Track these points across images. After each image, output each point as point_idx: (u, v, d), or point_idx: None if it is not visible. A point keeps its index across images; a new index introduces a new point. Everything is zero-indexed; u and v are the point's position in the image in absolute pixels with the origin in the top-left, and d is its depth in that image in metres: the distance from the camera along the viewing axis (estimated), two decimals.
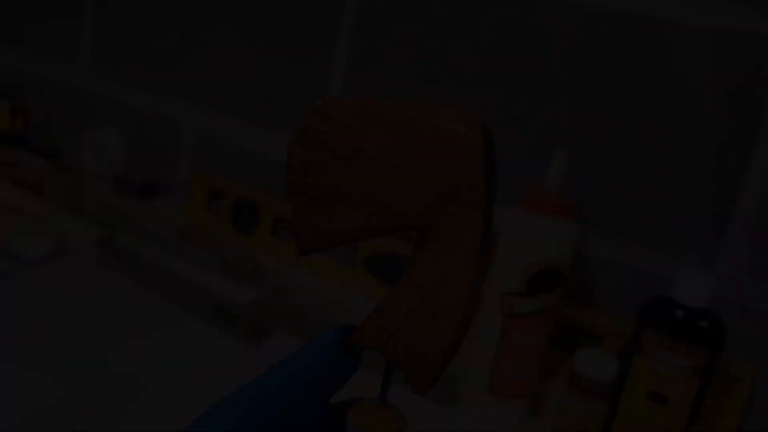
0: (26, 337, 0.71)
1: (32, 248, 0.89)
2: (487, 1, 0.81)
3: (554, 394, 0.75)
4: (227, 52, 1.03)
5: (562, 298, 0.77)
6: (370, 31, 0.90)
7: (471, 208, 0.25)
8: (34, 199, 1.04)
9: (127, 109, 1.15)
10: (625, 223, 0.75)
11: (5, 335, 0.70)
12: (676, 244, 0.73)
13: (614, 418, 0.68)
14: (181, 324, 0.80)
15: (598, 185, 0.76)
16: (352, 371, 0.26)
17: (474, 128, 0.24)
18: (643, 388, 0.66)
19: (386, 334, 0.26)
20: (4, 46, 1.32)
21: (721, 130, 0.69)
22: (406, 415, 0.27)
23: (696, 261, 0.72)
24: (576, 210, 0.77)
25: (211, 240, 0.97)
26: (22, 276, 0.83)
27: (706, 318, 0.64)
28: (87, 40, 1.19)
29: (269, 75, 1.00)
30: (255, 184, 1.01)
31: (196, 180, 1.04)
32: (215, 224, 1.02)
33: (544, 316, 0.70)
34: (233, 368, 0.73)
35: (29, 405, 0.59)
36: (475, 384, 0.72)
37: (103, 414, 0.60)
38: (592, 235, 0.77)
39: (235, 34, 1.02)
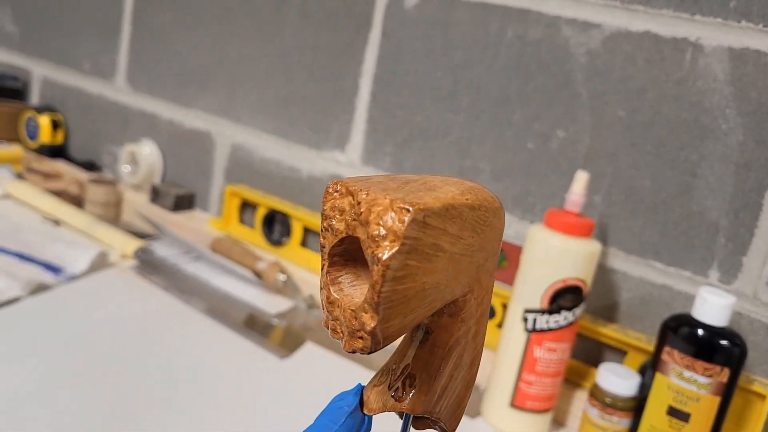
0: (69, 349, 0.74)
1: (74, 262, 0.93)
2: (509, 20, 0.82)
3: (577, 406, 0.77)
4: (260, 68, 1.06)
5: (585, 314, 0.78)
6: (395, 50, 0.92)
7: (492, 271, 0.28)
8: (75, 212, 1.08)
9: (162, 123, 1.19)
10: (647, 241, 0.76)
11: (50, 348, 0.74)
12: (698, 262, 0.73)
13: None
14: (215, 335, 0.83)
15: (621, 203, 0.77)
16: (369, 428, 0.28)
17: (497, 200, 0.28)
18: (664, 404, 0.67)
19: (432, 399, 0.27)
20: (47, 62, 1.37)
21: (742, 149, 0.70)
22: None
23: (718, 278, 0.73)
24: (596, 228, 0.78)
25: (243, 251, 1.00)
26: (66, 289, 0.87)
27: (726, 337, 0.65)
28: (124, 57, 1.23)
29: (301, 91, 1.02)
30: (286, 197, 1.04)
31: (229, 192, 1.07)
32: (247, 235, 1.05)
33: (566, 332, 0.71)
34: (265, 379, 0.76)
35: (71, 414, 0.63)
36: (499, 398, 0.73)
37: (139, 422, 0.64)
38: (615, 252, 0.78)
39: (268, 51, 1.05)
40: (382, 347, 0.26)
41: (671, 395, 0.67)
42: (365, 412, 0.27)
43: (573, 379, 0.79)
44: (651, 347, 0.73)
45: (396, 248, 0.23)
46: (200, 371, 0.75)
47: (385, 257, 0.23)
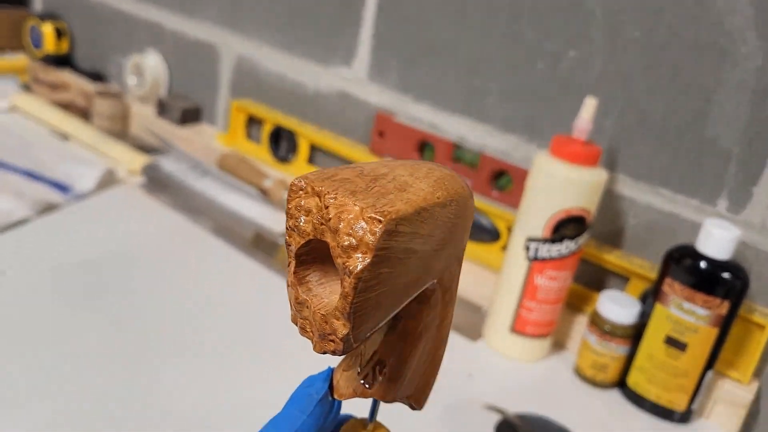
0: (77, 270, 0.76)
1: (82, 180, 0.93)
2: None
3: (578, 330, 0.78)
4: None
5: (590, 239, 0.78)
6: None
7: (461, 256, 0.27)
8: (82, 125, 1.08)
9: (167, 34, 1.16)
10: (656, 167, 0.74)
11: (58, 269, 0.75)
12: (708, 190, 0.72)
13: (633, 360, 0.71)
14: (222, 254, 0.84)
15: (632, 128, 0.75)
16: (338, 411, 0.28)
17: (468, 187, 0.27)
18: (662, 333, 0.68)
19: (401, 385, 0.27)
20: None
21: (760, 75, 0.67)
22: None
23: (726, 207, 0.71)
24: (604, 154, 0.76)
25: (250, 168, 0.99)
26: (74, 209, 0.88)
27: (728, 270, 0.64)
28: None
29: (307, 3, 0.98)
30: (292, 112, 1.03)
31: (235, 107, 1.05)
32: (254, 151, 1.05)
33: (568, 261, 0.71)
34: (271, 299, 0.77)
35: (79, 336, 0.65)
36: (500, 322, 0.74)
37: (146, 341, 0.66)
38: (623, 178, 0.76)
39: None
40: (355, 348, 0.26)
41: (670, 325, 0.67)
42: (335, 397, 0.27)
43: (575, 303, 0.79)
44: (654, 275, 0.73)
45: (368, 260, 0.22)
46: (207, 291, 0.76)
47: (357, 270, 0.22)
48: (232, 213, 0.95)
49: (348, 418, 0.29)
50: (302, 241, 0.24)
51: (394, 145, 0.90)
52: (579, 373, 0.74)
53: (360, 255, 0.22)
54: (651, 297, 0.69)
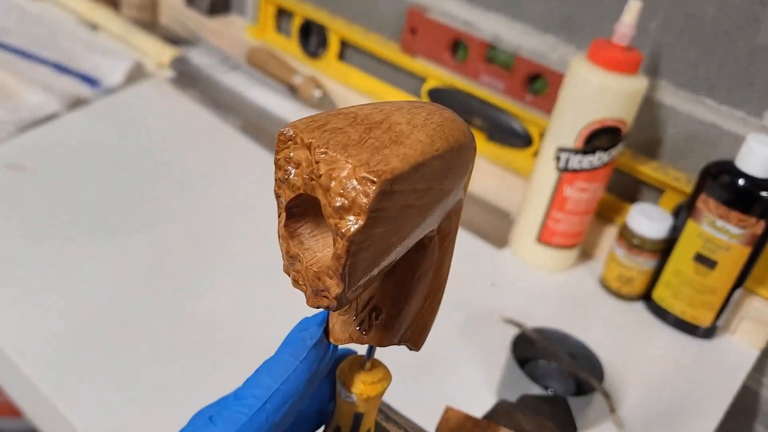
0: (105, 167, 0.76)
1: (111, 73, 0.92)
2: None
3: (607, 241, 0.76)
4: None
5: (626, 149, 0.75)
6: None
7: (462, 201, 0.26)
8: (111, 15, 1.05)
9: None
10: (701, 75, 0.70)
11: (87, 165, 0.76)
12: (755, 101, 0.67)
13: (660, 274, 0.69)
14: (249, 153, 0.84)
15: (678, 32, 0.69)
16: (334, 353, 0.28)
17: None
18: (692, 250, 0.66)
19: (398, 332, 0.27)
20: None
21: None
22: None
23: None
24: (647, 59, 0.72)
25: (279, 64, 0.97)
26: (102, 104, 0.88)
27: (767, 188, 0.61)
28: None
29: None
30: (323, 5, 0.98)
31: None
32: (284, 45, 1.02)
33: (600, 173, 0.68)
34: None
35: (106, 232, 0.66)
36: (526, 232, 0.73)
37: (170, 239, 0.67)
38: (665, 85, 0.72)
39: None
40: (350, 303, 0.25)
41: (700, 243, 0.65)
42: (331, 341, 0.27)
43: (605, 213, 0.77)
44: (689, 188, 0.70)
45: (361, 223, 0.21)
46: (233, 190, 0.76)
47: (350, 233, 0.21)
48: (260, 110, 0.93)
49: (348, 353, 0.29)
50: (292, 195, 0.23)
51: (426, 43, 0.86)
52: (604, 285, 0.73)
53: (353, 217, 0.21)
54: (684, 212, 0.67)
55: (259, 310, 0.61)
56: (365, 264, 0.22)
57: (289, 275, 0.24)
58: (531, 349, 0.59)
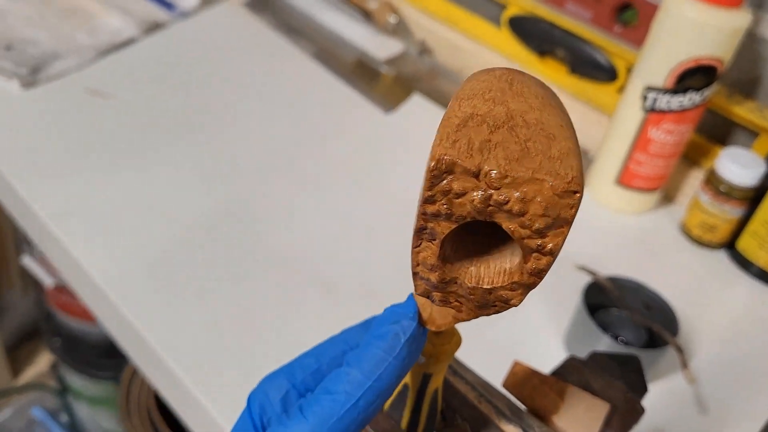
0: (184, 93, 0.77)
1: None
2: None
3: (691, 185, 0.73)
4: None
5: (720, 87, 0.70)
6: None
7: None
8: None
9: None
10: None
11: (166, 90, 0.77)
12: None
13: (747, 224, 0.66)
14: (322, 82, 0.82)
15: None
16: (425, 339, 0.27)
17: None
18: None
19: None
20: None
21: None
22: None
23: None
24: None
25: None
26: (178, 28, 0.88)
27: None
28: None
29: None
30: None
31: None
32: None
33: (690, 115, 0.64)
34: (371, 133, 0.76)
35: (183, 158, 0.67)
36: (605, 173, 0.70)
37: (244, 171, 0.67)
38: None
39: None
40: None
41: None
42: (433, 329, 0.26)
43: (692, 156, 0.73)
44: None
45: (565, 234, 0.21)
46: (304, 121, 0.76)
47: (557, 248, 0.21)
48: (334, 35, 0.91)
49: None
50: (453, 227, 0.22)
51: None
52: (685, 231, 0.70)
53: (556, 230, 0.21)
54: None
55: (333, 245, 0.62)
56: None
57: (428, 297, 0.25)
58: (604, 297, 0.57)
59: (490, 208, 0.21)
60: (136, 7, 0.88)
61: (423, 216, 0.23)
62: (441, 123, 0.22)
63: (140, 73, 0.79)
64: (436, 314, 0.26)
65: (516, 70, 0.24)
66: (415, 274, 0.25)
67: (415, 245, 0.24)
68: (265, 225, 0.62)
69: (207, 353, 0.51)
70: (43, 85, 0.74)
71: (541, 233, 0.21)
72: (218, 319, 0.54)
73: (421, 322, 0.26)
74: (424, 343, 0.26)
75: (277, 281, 0.57)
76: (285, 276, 0.58)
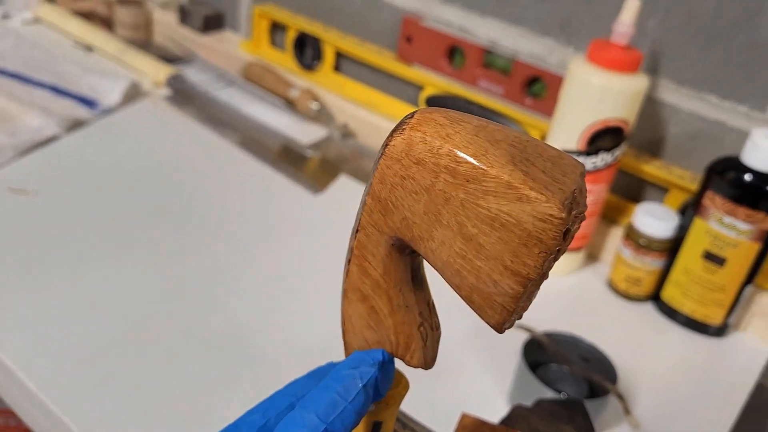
0: (106, 187, 0.76)
1: (108, 93, 0.92)
2: None
3: (612, 242, 0.76)
4: None
5: (628, 149, 0.74)
6: None
7: None
8: (106, 36, 1.05)
9: None
10: (702, 72, 0.69)
11: (90, 186, 0.75)
12: (758, 96, 0.67)
13: (669, 274, 0.69)
14: (249, 168, 0.83)
15: (677, 29, 0.69)
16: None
17: None
18: (700, 248, 0.65)
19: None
20: None
21: None
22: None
23: None
24: (647, 58, 0.72)
25: (275, 78, 0.96)
26: (101, 124, 0.87)
27: None
28: None
29: None
30: (317, 18, 0.98)
31: (257, 13, 1.01)
32: (279, 59, 1.02)
33: (604, 174, 0.68)
34: (299, 215, 0.77)
35: (113, 253, 0.65)
36: None
37: (172, 255, 0.66)
38: (665, 83, 0.72)
39: None
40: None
41: (708, 240, 0.64)
42: (424, 368, 0.27)
43: (610, 215, 0.77)
44: (694, 186, 0.70)
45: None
46: (234, 207, 0.76)
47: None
48: (258, 124, 0.93)
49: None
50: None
51: (422, 51, 0.86)
52: (612, 286, 0.72)
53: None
54: (690, 210, 0.66)
55: (267, 322, 0.61)
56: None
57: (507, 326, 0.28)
58: (542, 353, 0.58)
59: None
60: (56, 107, 0.88)
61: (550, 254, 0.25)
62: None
63: (63, 169, 0.78)
64: (426, 354, 0.27)
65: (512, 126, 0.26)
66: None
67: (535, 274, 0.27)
68: (197, 308, 0.61)
69: None
70: None
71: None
72: (162, 415, 0.51)
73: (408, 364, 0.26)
74: (387, 390, 0.26)
75: (212, 363, 0.56)
76: (220, 357, 0.56)
